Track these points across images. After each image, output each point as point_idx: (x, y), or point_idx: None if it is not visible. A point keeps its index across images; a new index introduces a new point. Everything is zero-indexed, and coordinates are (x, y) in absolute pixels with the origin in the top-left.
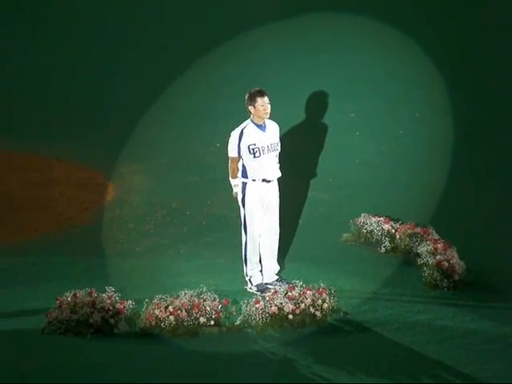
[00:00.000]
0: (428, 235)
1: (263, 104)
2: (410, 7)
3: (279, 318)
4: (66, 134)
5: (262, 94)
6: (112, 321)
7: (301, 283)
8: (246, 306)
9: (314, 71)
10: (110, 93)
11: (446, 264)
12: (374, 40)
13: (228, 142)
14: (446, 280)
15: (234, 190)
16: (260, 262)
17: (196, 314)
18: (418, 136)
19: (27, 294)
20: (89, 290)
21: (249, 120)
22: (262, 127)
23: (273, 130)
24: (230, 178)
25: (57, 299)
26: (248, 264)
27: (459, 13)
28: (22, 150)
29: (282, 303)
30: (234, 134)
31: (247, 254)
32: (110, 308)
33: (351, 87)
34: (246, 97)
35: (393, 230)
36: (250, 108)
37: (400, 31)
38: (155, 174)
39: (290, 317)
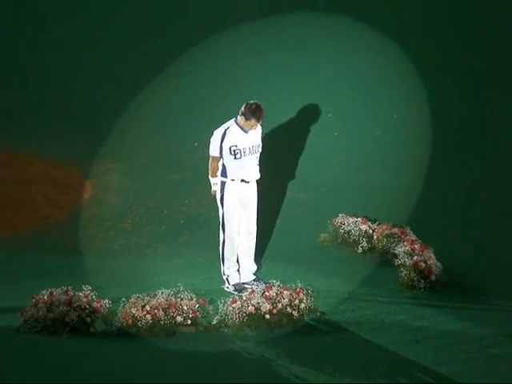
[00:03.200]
0: (405, 236)
1: (254, 124)
2: (390, 8)
3: (256, 317)
4: (42, 131)
5: (259, 118)
6: (88, 320)
7: (278, 283)
8: (223, 305)
9: (293, 71)
10: (88, 91)
11: (423, 265)
12: (353, 40)
13: (210, 141)
14: (422, 281)
15: (213, 188)
16: (237, 261)
17: (173, 313)
18: (395, 137)
19: (2, 293)
20: (65, 289)
21: (233, 120)
22: (244, 129)
23: (255, 132)
24: (209, 176)
25: (33, 298)
26: (225, 263)
27: (440, 15)
28: None
29: (259, 303)
30: (217, 134)
31: (225, 253)
32: (87, 307)
33: (329, 87)
34: (246, 107)
35: (370, 231)
36: (242, 117)
37: (379, 31)
38: (133, 173)
39: (267, 316)
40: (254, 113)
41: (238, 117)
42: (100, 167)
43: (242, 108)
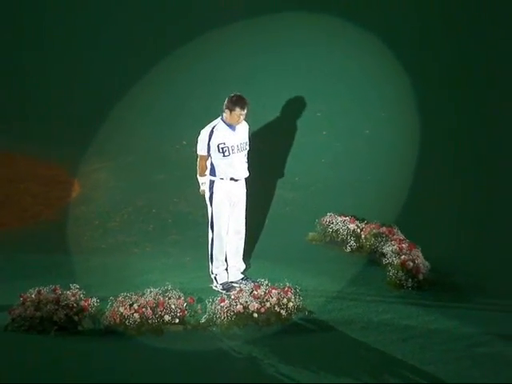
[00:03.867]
0: (393, 235)
1: (240, 115)
2: (380, 8)
3: (244, 316)
4: (30, 130)
5: (243, 105)
6: (76, 318)
7: (266, 282)
8: (211, 304)
9: (282, 70)
10: (77, 89)
11: (411, 264)
12: (341, 40)
13: (197, 140)
14: (410, 280)
15: (202, 187)
16: (226, 260)
17: (161, 311)
18: (384, 136)
19: None
20: (53, 287)
21: (219, 119)
22: (232, 127)
23: (243, 130)
24: (197, 176)
25: (20, 296)
26: (214, 262)
27: (430, 14)
28: None
29: (247, 302)
30: (204, 132)
31: (213, 252)
32: (75, 305)
33: (318, 86)
34: (228, 100)
35: (358, 230)
36: (226, 111)
37: (368, 31)
38: (121, 172)
39: (255, 315)
40: (237, 102)
41: (224, 114)
42: (88, 166)
43: (225, 102)
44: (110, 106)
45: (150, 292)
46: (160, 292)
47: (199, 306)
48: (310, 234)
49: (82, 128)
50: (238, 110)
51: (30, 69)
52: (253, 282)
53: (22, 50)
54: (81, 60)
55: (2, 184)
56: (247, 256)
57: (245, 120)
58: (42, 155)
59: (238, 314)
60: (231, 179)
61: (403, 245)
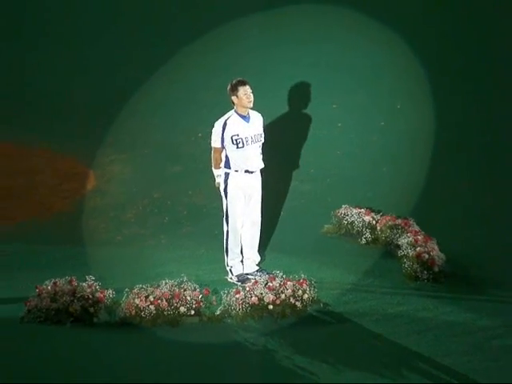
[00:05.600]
0: (408, 227)
1: (245, 93)
2: (394, 0)
3: (259, 308)
4: (46, 122)
5: (243, 83)
6: (92, 310)
7: (281, 274)
8: (227, 296)
9: (297, 62)
10: (93, 82)
11: (426, 256)
12: (357, 33)
13: (211, 133)
14: (425, 272)
15: (217, 180)
16: (241, 252)
17: (176, 303)
18: (399, 128)
19: (7, 283)
20: (69, 279)
21: (233, 111)
22: (245, 118)
23: (257, 121)
24: (212, 169)
25: (36, 288)
26: (229, 254)
27: (443, 7)
28: (2, 139)
29: (262, 293)
30: (218, 125)
31: (228, 244)
32: (90, 297)
33: (333, 79)
34: (228, 87)
35: (373, 222)
36: (233, 98)
37: (383, 23)
38: (137, 164)
39: (270, 307)
40: (237, 83)
41: (234, 105)
42: (104, 158)
43: (228, 91)
44: (125, 98)
45: (166, 284)
46: (175, 284)
47: (214, 298)
48: (326, 226)
49: (98, 120)
50: (241, 89)
51: (45, 60)
52: (268, 273)
53: (37, 39)
54: (97, 52)
55: (18, 176)
56: (262, 248)
57: (259, 112)
58: (58, 147)
59: (253, 305)
60: (246, 171)
61: (418, 237)
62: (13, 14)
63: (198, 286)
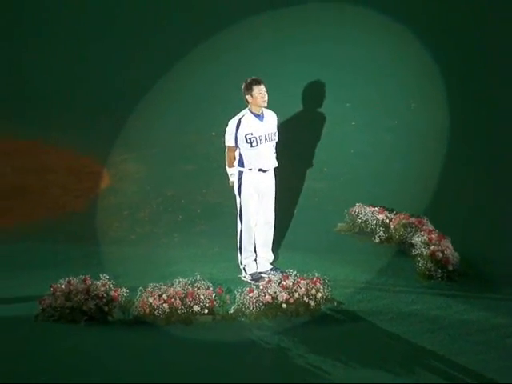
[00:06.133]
0: (422, 226)
1: (260, 92)
2: None
3: (273, 307)
4: (59, 120)
5: (258, 82)
6: (106, 308)
7: (295, 272)
8: (240, 294)
9: (311, 61)
10: (106, 80)
11: (440, 254)
12: (370, 31)
13: (225, 131)
14: (439, 270)
15: (231, 178)
16: (255, 250)
17: (190, 302)
18: (413, 126)
19: (21, 281)
20: (83, 278)
21: (246, 109)
22: (259, 116)
23: (271, 120)
24: (226, 167)
25: (51, 286)
26: (243, 253)
27: (456, 4)
28: (15, 136)
29: (275, 292)
30: (232, 123)
31: (242, 242)
32: (104, 295)
33: (347, 77)
34: (243, 86)
35: (387, 220)
36: (248, 97)
37: (396, 22)
38: (150, 162)
39: (284, 306)
40: (251, 82)
41: (249, 104)
42: (117, 156)
43: (242, 90)
44: (138, 97)
45: (179, 282)
46: (189, 282)
47: (228, 297)
48: (339, 224)
49: (111, 118)
50: (255, 88)
51: (58, 59)
52: (281, 272)
53: (53, 39)
54: (110, 50)
55: (32, 175)
56: (276, 246)
57: (273, 110)
58: (71, 146)
59: (266, 304)
60: (259, 170)
61: (433, 235)
62: (13, 14)
63: (211, 285)
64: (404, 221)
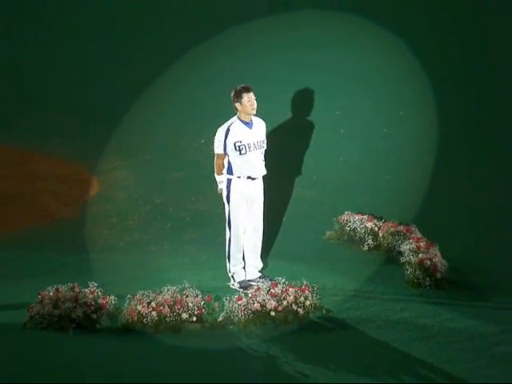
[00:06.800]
0: (411, 233)
1: (249, 100)
2: (398, 6)
3: (262, 314)
4: (49, 128)
5: (247, 90)
6: (94, 316)
7: (284, 280)
8: (229, 302)
9: (300, 68)
10: (96, 88)
11: (429, 262)
12: (360, 38)
13: (214, 139)
14: (428, 278)
15: (219, 186)
16: (243, 258)
17: (178, 309)
18: (402, 135)
19: (9, 289)
20: (71, 285)
21: (235, 117)
22: (248, 124)
23: (259, 128)
24: (215, 175)
25: (39, 294)
26: (231, 260)
27: (446, 14)
28: (4, 144)
29: (264, 300)
30: (221, 131)
31: (231, 250)
32: (92, 303)
33: (336, 85)
34: (232, 94)
35: (376, 228)
36: (237, 105)
37: (386, 30)
38: (139, 170)
39: (273, 314)
40: (241, 90)
41: (237, 112)
42: (106, 164)
43: (232, 100)
44: (127, 104)
45: (168, 290)
46: (177, 290)
47: (217, 304)
48: (328, 232)
49: (100, 126)
50: (245, 95)
51: (47, 66)
52: (270, 280)
53: (40, 45)
54: (99, 57)
55: (21, 182)
56: (265, 254)
57: (262, 118)
58: (61, 153)
59: (255, 312)
60: (248, 177)
61: (421, 243)
62: (5, 26)
63: (200, 293)
64: (392, 229)
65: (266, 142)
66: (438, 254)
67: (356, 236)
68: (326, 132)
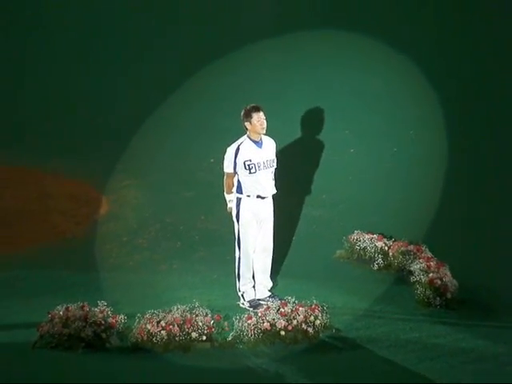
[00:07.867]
0: (421, 253)
1: (259, 119)
2: (407, 25)
3: (271, 334)
4: (59, 147)
5: (257, 109)
6: (104, 335)
7: (293, 299)
8: (239, 321)
9: (310, 87)
10: (106, 107)
11: (439, 282)
12: (369, 58)
13: (224, 158)
14: (438, 298)
15: (229, 205)
16: (253, 277)
17: (188, 329)
18: (412, 154)
19: (19, 308)
20: (81, 304)
21: (245, 136)
22: (258, 143)
23: (269, 147)
24: (224, 193)
25: (49, 313)
26: (241, 279)
27: (456, 32)
28: (15, 164)
29: (274, 319)
30: (230, 150)
31: (240, 269)
32: (102, 322)
33: (346, 104)
34: (242, 113)
35: (386, 248)
36: (247, 124)
37: (396, 49)
38: (149, 189)
39: (282, 333)
40: (251, 109)
41: (247, 131)
42: (116, 183)
43: (242, 119)
44: (137, 124)
45: (178, 309)
46: (187, 309)
47: (226, 324)
48: (338, 251)
49: (111, 146)
50: (255, 115)
51: (55, 84)
52: (280, 299)
53: (51, 63)
54: (109, 77)
55: (31, 201)
56: (274, 273)
57: (271, 137)
58: (71, 172)
59: (265, 331)
60: (258, 197)
61: (431, 263)
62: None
63: (209, 312)
64: (402, 248)
65: (275, 161)
66: (449, 273)
67: (366, 255)
68: (336, 151)
